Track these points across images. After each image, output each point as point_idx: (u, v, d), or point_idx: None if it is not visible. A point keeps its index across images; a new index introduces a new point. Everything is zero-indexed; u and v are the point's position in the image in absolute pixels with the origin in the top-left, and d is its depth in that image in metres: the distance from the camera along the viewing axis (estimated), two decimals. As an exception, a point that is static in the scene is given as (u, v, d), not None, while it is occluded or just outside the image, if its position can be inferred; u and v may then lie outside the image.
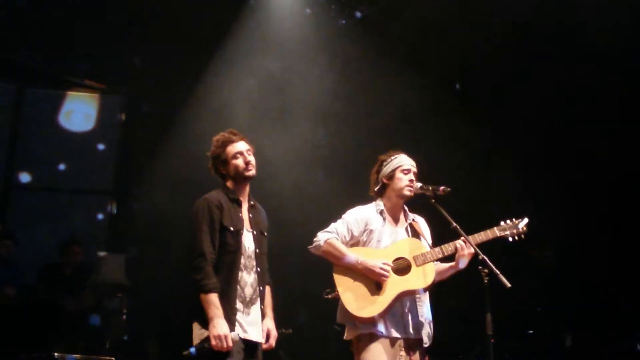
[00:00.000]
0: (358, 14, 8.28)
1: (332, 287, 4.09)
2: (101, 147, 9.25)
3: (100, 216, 9.11)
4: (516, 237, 4.18)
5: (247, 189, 4.05)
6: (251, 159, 4.00)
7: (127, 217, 8.76)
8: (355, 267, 4.03)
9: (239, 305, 3.81)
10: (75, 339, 6.78)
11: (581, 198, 7.88)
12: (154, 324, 7.94)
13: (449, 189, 4.11)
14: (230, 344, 3.66)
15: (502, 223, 4.21)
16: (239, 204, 3.98)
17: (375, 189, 4.28)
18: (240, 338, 3.76)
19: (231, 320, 3.75)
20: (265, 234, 4.06)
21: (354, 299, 3.98)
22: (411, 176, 4.21)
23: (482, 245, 4.06)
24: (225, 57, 8.22)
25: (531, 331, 7.58)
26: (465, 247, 4.02)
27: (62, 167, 9.06)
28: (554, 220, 7.80)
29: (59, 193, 9.17)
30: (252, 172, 3.99)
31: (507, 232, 4.16)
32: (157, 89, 8.61)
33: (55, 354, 5.70)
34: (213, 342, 3.64)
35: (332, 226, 4.17)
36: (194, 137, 7.93)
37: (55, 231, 8.40)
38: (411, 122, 8.03)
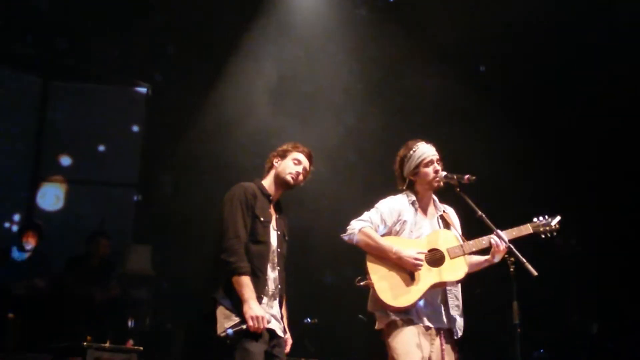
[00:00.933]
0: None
1: (364, 275, 4.08)
2: (126, 139, 9.33)
3: (127, 207, 9.18)
4: (548, 235, 4.17)
5: (280, 193, 4.11)
6: (302, 176, 4.09)
7: (153, 208, 8.82)
8: (390, 257, 4.01)
9: (264, 296, 3.84)
10: (103, 329, 6.85)
11: (606, 187, 7.81)
12: (181, 314, 8.01)
13: (474, 178, 4.07)
14: (266, 324, 3.71)
15: (535, 220, 4.19)
16: (270, 200, 4.03)
17: (404, 187, 4.25)
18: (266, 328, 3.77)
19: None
20: (287, 238, 4.12)
21: (388, 288, 3.98)
22: (435, 166, 4.16)
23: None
24: (247, 46, 8.22)
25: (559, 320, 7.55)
26: (500, 244, 3.99)
27: (88, 159, 9.16)
28: (580, 209, 7.75)
29: (85, 185, 9.26)
30: (293, 182, 4.06)
31: (540, 230, 4.15)
32: (181, 79, 8.65)
33: (85, 343, 5.78)
34: (250, 323, 3.66)
35: (366, 215, 4.15)
36: (218, 128, 7.98)
37: (83, 222, 8.49)
38: (439, 111, 8.00)
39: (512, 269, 3.88)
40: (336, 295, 7.43)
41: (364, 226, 4.07)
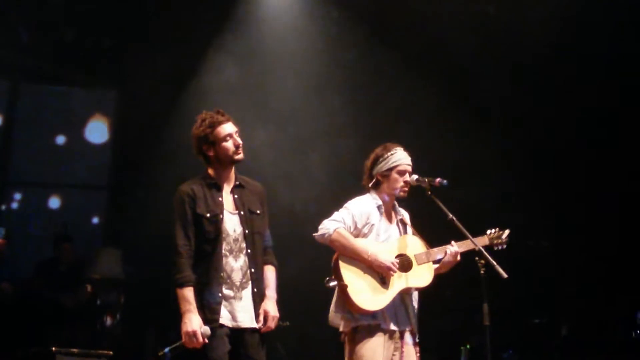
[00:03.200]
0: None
1: (333, 275, 4.07)
2: (96, 142, 9.23)
3: (96, 211, 9.09)
4: (500, 247, 4.26)
5: (233, 170, 3.93)
6: (240, 141, 3.89)
7: (124, 210, 8.74)
8: (364, 259, 4.03)
9: (227, 292, 3.73)
10: (72, 333, 6.78)
11: (579, 190, 7.92)
12: (152, 318, 7.94)
13: (444, 181, 4.12)
14: (201, 339, 3.59)
15: (487, 232, 4.28)
16: (219, 188, 3.87)
17: (370, 185, 4.27)
18: (227, 327, 3.69)
19: (214, 310, 3.68)
20: (259, 212, 3.92)
21: (361, 290, 3.99)
22: (406, 177, 4.20)
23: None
24: (218, 44, 8.20)
25: (528, 321, 7.62)
26: (455, 255, 4.11)
27: (57, 162, 9.05)
28: (550, 212, 7.85)
29: (54, 187, 9.15)
30: (241, 155, 3.87)
31: (494, 242, 4.26)
32: (151, 84, 8.58)
33: (53, 348, 5.70)
34: (184, 339, 3.60)
35: (338, 215, 4.14)
36: (189, 128, 7.92)
37: (51, 227, 8.39)
38: (411, 117, 8.04)
39: (482, 271, 3.92)
40: (308, 297, 7.43)
41: (338, 227, 4.06)
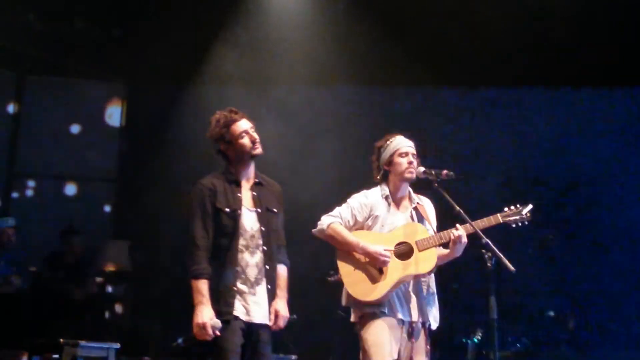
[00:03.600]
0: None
1: (336, 270, 4.11)
2: (104, 133, 9.26)
3: (104, 203, 9.12)
4: (519, 224, 4.15)
5: (252, 167, 3.97)
6: (256, 136, 3.92)
7: (132, 204, 8.76)
8: (357, 252, 4.05)
9: (241, 286, 3.76)
10: (80, 325, 6.80)
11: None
12: (159, 310, 7.96)
13: (452, 173, 4.10)
14: (211, 332, 3.61)
15: (505, 209, 4.18)
16: (238, 184, 3.90)
17: (378, 177, 4.27)
18: (242, 320, 3.71)
19: (229, 303, 3.71)
20: (276, 210, 3.96)
21: (356, 282, 4.02)
22: (410, 158, 4.17)
23: (484, 229, 4.04)
24: (227, 38, 8.19)
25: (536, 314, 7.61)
26: (460, 237, 4.01)
27: (65, 154, 9.08)
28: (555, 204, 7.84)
29: (63, 179, 9.18)
30: (259, 150, 3.91)
31: (511, 219, 4.14)
32: (159, 77, 8.59)
33: (61, 340, 5.72)
34: (194, 330, 3.63)
35: (337, 210, 4.17)
36: (197, 122, 7.92)
37: (61, 219, 8.41)
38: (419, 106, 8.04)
39: (489, 265, 3.90)
40: (317, 291, 7.43)
41: (332, 222, 4.10)
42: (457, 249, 4.06)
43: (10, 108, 9.05)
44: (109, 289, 7.63)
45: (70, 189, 9.12)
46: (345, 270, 4.05)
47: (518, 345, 7.10)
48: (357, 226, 4.15)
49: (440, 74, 8.00)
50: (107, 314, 7.40)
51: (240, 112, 3.97)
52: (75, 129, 9.12)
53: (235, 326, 3.70)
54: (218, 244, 3.78)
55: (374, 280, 4.01)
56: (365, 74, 8.19)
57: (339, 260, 4.08)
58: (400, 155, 4.18)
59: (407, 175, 4.17)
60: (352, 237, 4.07)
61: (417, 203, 4.26)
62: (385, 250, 4.01)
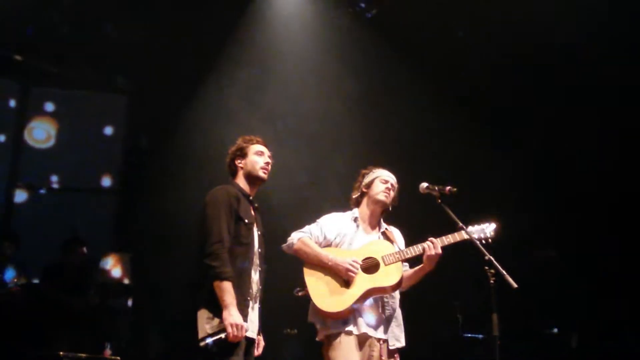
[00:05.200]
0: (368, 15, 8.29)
1: (303, 285, 4.15)
2: (107, 145, 9.27)
3: (104, 215, 9.12)
4: (483, 242, 4.20)
5: (255, 191, 4.11)
6: (270, 162, 4.09)
7: (132, 216, 8.76)
8: (326, 264, 4.13)
9: (249, 299, 3.82)
10: (80, 337, 6.78)
11: (584, 198, 7.89)
12: (159, 323, 7.95)
13: (455, 189, 4.14)
14: (244, 333, 3.67)
15: (469, 227, 4.24)
16: (250, 202, 4.03)
17: (354, 197, 4.42)
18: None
19: (244, 312, 3.75)
20: (264, 237, 4.10)
21: (323, 294, 4.08)
22: (389, 186, 4.35)
23: (487, 246, 4.06)
24: (228, 57, 8.22)
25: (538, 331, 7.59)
26: (432, 248, 4.12)
27: (67, 166, 9.09)
28: (558, 220, 7.82)
29: (64, 192, 9.19)
30: (266, 175, 4.06)
31: (475, 236, 4.18)
32: (160, 88, 8.61)
33: (61, 352, 5.71)
34: (229, 330, 3.61)
35: (307, 228, 4.30)
36: (198, 134, 7.96)
37: (61, 231, 8.40)
38: (418, 128, 8.06)
39: (492, 281, 3.90)
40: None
41: (302, 236, 4.21)
42: (430, 261, 4.14)
43: (13, 118, 9.07)
44: (110, 301, 7.60)
45: (72, 200, 9.11)
46: (313, 283, 4.11)
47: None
48: (326, 243, 4.26)
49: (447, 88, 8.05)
50: (107, 326, 7.36)
51: (261, 138, 4.18)
52: (76, 139, 9.13)
53: (243, 342, 3.74)
54: (234, 252, 3.81)
55: (340, 292, 4.07)
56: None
57: (306, 274, 4.15)
58: (381, 181, 4.36)
59: (381, 196, 4.31)
60: (321, 249, 4.18)
61: (385, 229, 4.38)
62: (353, 261, 4.09)
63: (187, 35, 8.10)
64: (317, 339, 4.15)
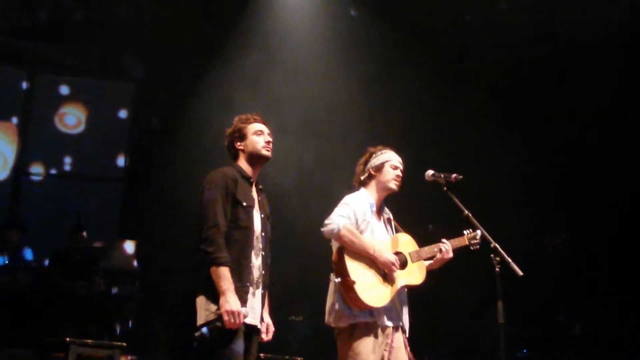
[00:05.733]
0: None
1: (335, 271, 4.05)
2: (113, 133, 9.29)
3: (111, 202, 9.14)
4: (475, 247, 4.24)
5: (258, 171, 3.96)
6: (270, 139, 3.94)
7: (139, 203, 8.78)
8: (369, 256, 4.03)
9: (249, 285, 3.68)
10: (87, 324, 6.81)
11: (593, 187, 7.87)
12: (165, 310, 7.97)
13: (461, 177, 4.12)
14: (242, 320, 3.54)
15: (465, 232, 4.27)
16: (250, 183, 3.88)
17: (362, 178, 4.30)
18: (245, 323, 3.61)
19: (243, 299, 3.61)
20: (270, 219, 3.95)
21: (365, 286, 3.99)
22: (399, 172, 4.26)
23: (493, 234, 4.05)
24: (234, 40, 8.20)
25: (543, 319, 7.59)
26: (447, 252, 4.15)
27: (73, 153, 9.12)
28: (566, 209, 7.80)
29: (71, 179, 9.22)
30: (269, 153, 3.91)
31: (471, 242, 4.25)
32: (167, 76, 8.60)
33: (67, 339, 5.72)
34: (225, 318, 3.49)
35: (344, 211, 4.11)
36: (203, 122, 7.96)
37: (68, 217, 8.43)
38: (420, 118, 8.03)
39: (497, 269, 3.89)
40: (322, 293, 7.43)
41: (346, 223, 4.06)
42: (441, 262, 4.20)
43: (19, 107, 9.08)
44: (116, 287, 7.63)
45: (79, 187, 9.14)
46: (357, 273, 4.01)
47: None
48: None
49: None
50: (113, 313, 7.39)
51: (258, 114, 4.03)
52: (83, 126, 9.15)
53: (242, 329, 3.61)
54: (231, 236, 3.68)
55: (380, 286, 4.03)
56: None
57: (349, 262, 4.02)
58: (391, 166, 4.26)
59: (392, 184, 4.24)
60: (367, 239, 4.08)
61: (389, 215, 4.35)
62: (396, 258, 4.07)
63: (195, 21, 8.08)
64: (338, 325, 4.04)
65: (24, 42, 8.51)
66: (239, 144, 3.93)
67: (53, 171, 9.18)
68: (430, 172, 4.20)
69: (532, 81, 8.06)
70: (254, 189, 3.90)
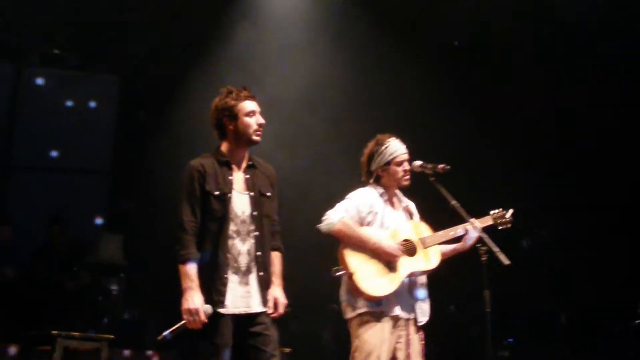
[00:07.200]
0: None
1: (340, 265, 4.05)
2: (100, 126, 9.24)
3: (98, 195, 9.11)
4: (504, 227, 4.21)
5: (245, 151, 3.77)
6: (262, 121, 3.73)
7: (126, 196, 8.75)
8: (368, 247, 4.03)
9: (232, 276, 3.58)
10: (73, 317, 6.78)
11: (579, 179, 7.91)
12: (153, 302, 7.95)
13: (448, 167, 4.11)
14: (203, 318, 3.45)
15: (491, 212, 4.23)
16: (230, 167, 3.72)
17: (370, 181, 4.25)
18: (235, 314, 3.54)
19: (220, 292, 3.53)
20: (269, 194, 3.77)
21: (368, 277, 3.99)
22: (406, 166, 4.20)
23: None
24: (224, 32, 8.17)
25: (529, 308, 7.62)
26: (476, 230, 4.06)
27: (60, 147, 9.07)
28: (550, 200, 7.84)
29: (57, 173, 9.17)
30: (259, 138, 3.72)
31: (498, 222, 4.20)
32: (154, 68, 8.57)
33: (54, 332, 5.69)
34: (184, 316, 3.45)
35: (342, 206, 4.11)
36: (190, 116, 7.92)
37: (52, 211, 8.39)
38: (410, 105, 8.03)
39: (484, 258, 3.90)
40: (309, 285, 7.43)
41: (342, 217, 4.05)
42: (469, 242, 4.10)
43: (6, 100, 9.02)
44: (103, 281, 7.60)
45: (65, 181, 9.10)
46: (356, 265, 4.01)
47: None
48: (359, 222, 4.11)
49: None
50: (100, 306, 7.36)
51: (247, 88, 3.79)
52: (70, 121, 9.10)
53: (227, 318, 3.54)
54: (207, 229, 3.60)
55: (384, 275, 4.01)
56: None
57: (348, 255, 4.03)
58: (397, 163, 4.18)
59: (404, 183, 4.21)
60: (364, 231, 4.06)
61: (407, 204, 4.31)
62: (398, 245, 4.04)
63: (184, 11, 8.04)
64: (347, 317, 4.06)
65: (10, 35, 8.43)
66: (227, 123, 3.72)
67: (40, 165, 9.12)
68: (417, 162, 4.19)
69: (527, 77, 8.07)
70: (236, 171, 3.74)
